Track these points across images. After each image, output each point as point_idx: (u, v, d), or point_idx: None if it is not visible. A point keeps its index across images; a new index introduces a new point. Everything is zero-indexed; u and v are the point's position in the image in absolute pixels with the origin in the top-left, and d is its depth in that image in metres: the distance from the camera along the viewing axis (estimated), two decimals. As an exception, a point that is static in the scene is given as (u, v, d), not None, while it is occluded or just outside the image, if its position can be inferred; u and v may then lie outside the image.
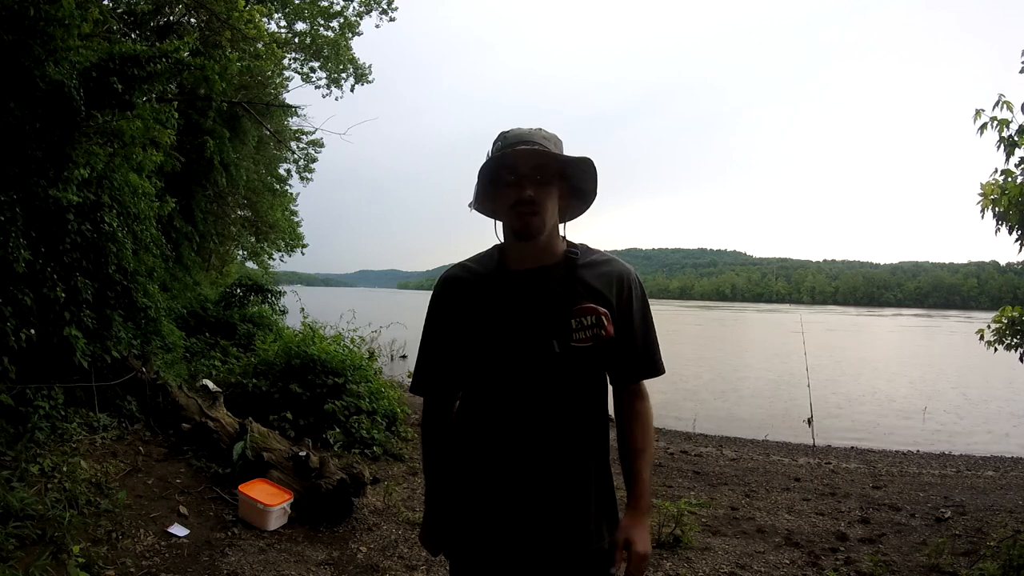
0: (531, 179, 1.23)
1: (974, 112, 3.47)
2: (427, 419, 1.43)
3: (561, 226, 1.35)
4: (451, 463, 1.36)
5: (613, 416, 1.38)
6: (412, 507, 3.94)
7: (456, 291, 1.34)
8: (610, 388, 1.35)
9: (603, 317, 1.24)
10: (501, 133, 1.30)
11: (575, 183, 1.33)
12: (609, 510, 1.32)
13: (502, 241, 1.35)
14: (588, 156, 1.26)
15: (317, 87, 10.86)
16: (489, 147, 1.31)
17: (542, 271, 1.29)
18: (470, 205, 1.34)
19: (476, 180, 1.29)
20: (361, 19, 10.05)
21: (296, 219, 15.95)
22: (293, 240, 15.68)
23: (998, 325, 3.86)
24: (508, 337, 1.25)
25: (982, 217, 3.71)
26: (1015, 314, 3.77)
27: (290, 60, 10.32)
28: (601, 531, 1.28)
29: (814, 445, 7.68)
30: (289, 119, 12.44)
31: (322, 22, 9.85)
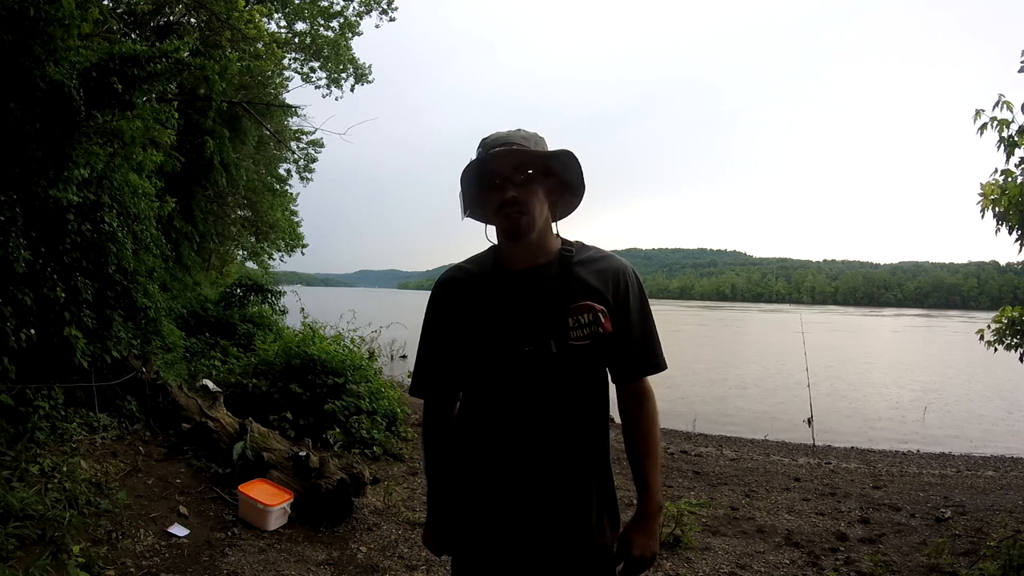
0: (512, 179, 1.23)
1: (974, 112, 3.48)
2: (427, 421, 1.43)
3: (555, 224, 1.35)
4: (452, 464, 1.36)
5: (616, 415, 1.38)
6: (412, 507, 3.94)
7: (453, 293, 1.35)
8: (611, 387, 1.35)
9: (600, 314, 1.24)
10: (482, 140, 1.30)
11: (561, 177, 1.32)
12: (610, 507, 1.32)
13: (496, 243, 1.35)
14: (567, 148, 1.26)
15: (317, 87, 10.88)
16: (474, 153, 1.31)
17: (537, 270, 1.29)
18: (463, 215, 1.35)
19: (460, 188, 1.29)
20: (361, 19, 10.06)
21: (296, 219, 15.97)
22: (293, 240, 15.69)
23: (998, 325, 3.86)
24: (505, 337, 1.25)
25: (982, 217, 3.71)
26: (1015, 314, 3.77)
27: (290, 60, 10.32)
28: (603, 528, 1.28)
29: (814, 445, 7.68)
30: (289, 119, 12.45)
31: (322, 22, 9.85)
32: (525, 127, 1.31)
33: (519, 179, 1.23)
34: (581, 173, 1.30)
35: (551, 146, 1.30)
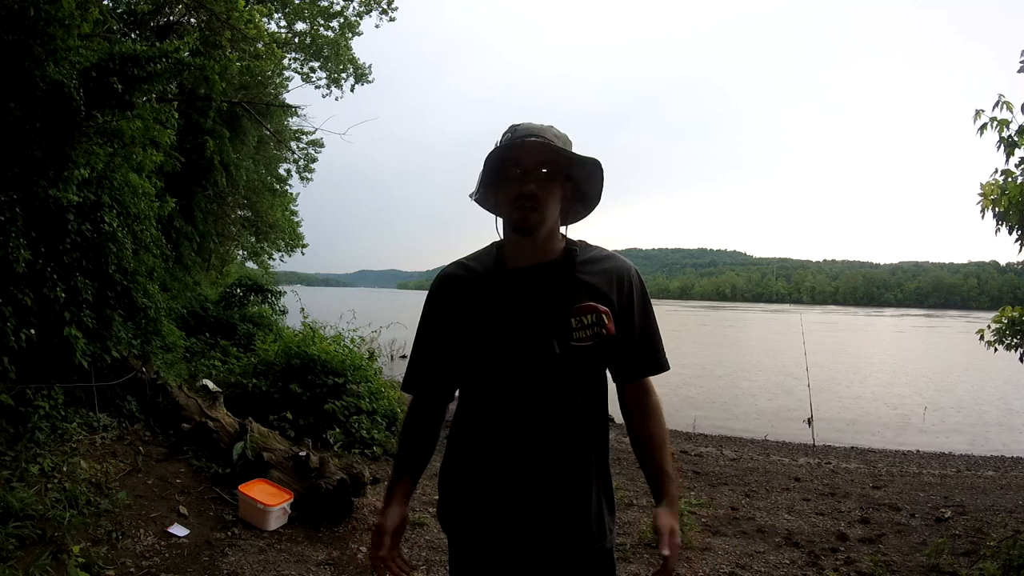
0: (536, 174, 1.22)
1: (974, 112, 3.47)
2: (411, 415, 1.40)
3: (561, 228, 1.34)
4: (452, 463, 1.35)
5: (616, 414, 1.37)
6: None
7: (453, 290, 1.33)
8: (611, 387, 1.34)
9: (603, 315, 1.23)
10: (511, 125, 1.28)
11: (580, 186, 1.32)
12: (610, 510, 1.31)
13: (501, 238, 1.34)
14: (596, 158, 1.25)
15: (317, 87, 10.88)
16: (498, 139, 1.29)
17: (540, 268, 1.27)
18: (472, 195, 1.33)
19: (481, 168, 1.28)
20: (361, 19, 10.07)
21: (296, 219, 15.97)
22: (293, 240, 15.71)
23: (998, 325, 3.85)
24: (507, 337, 1.24)
25: (982, 217, 3.71)
26: (1015, 314, 3.77)
27: (290, 60, 10.32)
28: (603, 531, 1.28)
29: (814, 445, 7.68)
30: (289, 119, 12.44)
31: (322, 22, 9.85)
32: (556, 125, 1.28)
33: (541, 175, 1.22)
34: (601, 185, 1.31)
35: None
